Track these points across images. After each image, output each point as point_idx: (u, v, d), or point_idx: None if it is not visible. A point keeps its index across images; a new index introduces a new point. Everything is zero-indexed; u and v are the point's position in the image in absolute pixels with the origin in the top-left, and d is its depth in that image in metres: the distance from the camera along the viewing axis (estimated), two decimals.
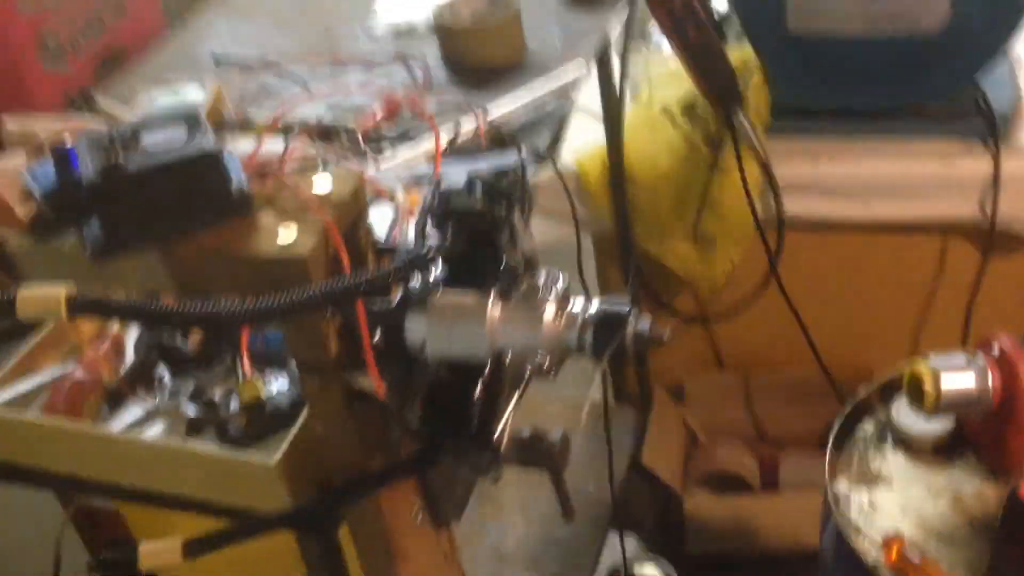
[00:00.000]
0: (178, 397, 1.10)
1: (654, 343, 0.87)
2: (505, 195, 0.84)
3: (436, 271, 0.87)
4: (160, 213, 0.84)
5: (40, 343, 1.14)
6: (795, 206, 1.92)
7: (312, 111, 1.59)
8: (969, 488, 1.24)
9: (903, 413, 1.29)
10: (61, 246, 0.88)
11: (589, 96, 2.00)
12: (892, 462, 1.29)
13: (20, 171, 0.90)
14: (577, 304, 0.87)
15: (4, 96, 1.80)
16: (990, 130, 1.72)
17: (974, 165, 1.76)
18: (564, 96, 1.58)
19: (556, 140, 1.53)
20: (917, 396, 1.20)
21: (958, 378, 1.18)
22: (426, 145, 1.48)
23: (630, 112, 2.04)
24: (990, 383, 1.18)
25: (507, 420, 0.86)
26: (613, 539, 2.30)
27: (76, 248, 0.87)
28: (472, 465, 0.86)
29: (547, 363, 0.87)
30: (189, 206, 0.85)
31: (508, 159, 0.96)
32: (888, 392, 1.34)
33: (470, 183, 0.84)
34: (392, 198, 0.92)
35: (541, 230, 2.14)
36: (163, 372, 1.13)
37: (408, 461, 0.90)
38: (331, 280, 0.78)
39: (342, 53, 1.75)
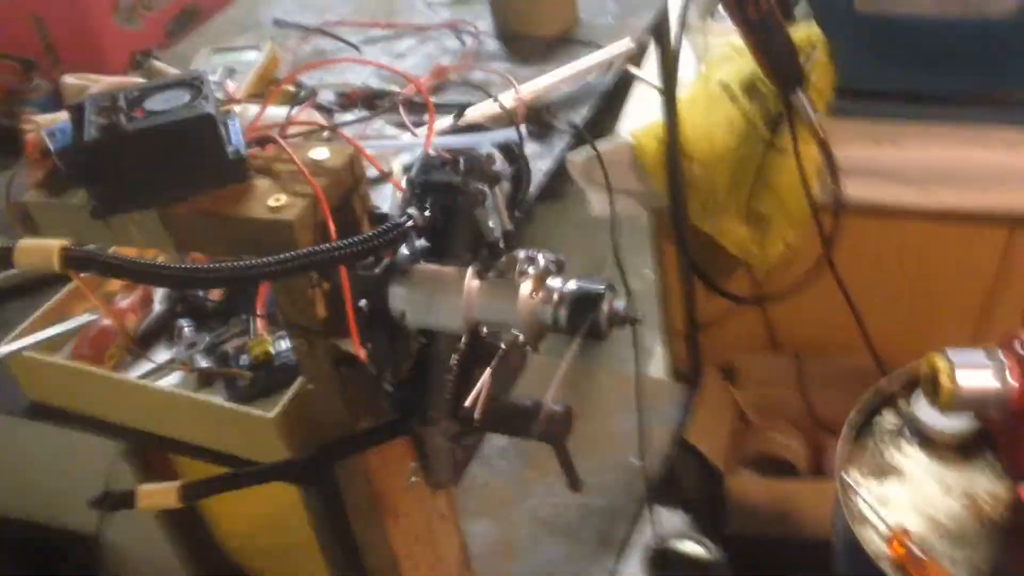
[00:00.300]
0: (195, 349, 1.15)
1: (628, 322, 0.88)
2: (484, 170, 0.86)
3: (416, 243, 0.89)
4: (156, 174, 0.88)
5: (73, 291, 1.20)
6: (855, 190, 1.89)
7: (360, 76, 1.62)
8: (984, 488, 1.22)
9: (924, 408, 1.27)
10: (73, 202, 0.93)
11: (651, 70, 2.00)
12: (909, 456, 1.27)
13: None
14: (555, 281, 0.88)
15: (78, 53, 1.87)
16: None
17: None
18: (608, 70, 1.57)
19: (597, 115, 1.53)
20: (933, 390, 1.18)
21: (976, 375, 1.15)
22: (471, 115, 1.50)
23: (689, 87, 2.03)
24: (1009, 381, 1.15)
25: (480, 392, 0.88)
26: (658, 513, 2.32)
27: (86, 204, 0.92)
28: (442, 433, 0.89)
29: (523, 338, 0.88)
30: (184, 169, 0.88)
31: (509, 133, 0.98)
32: (913, 385, 1.32)
33: (452, 158, 0.86)
34: (387, 171, 0.94)
35: (598, 203, 2.16)
36: (184, 325, 1.18)
37: (383, 426, 0.93)
38: (306, 248, 0.81)
39: (398, 20, 1.77)
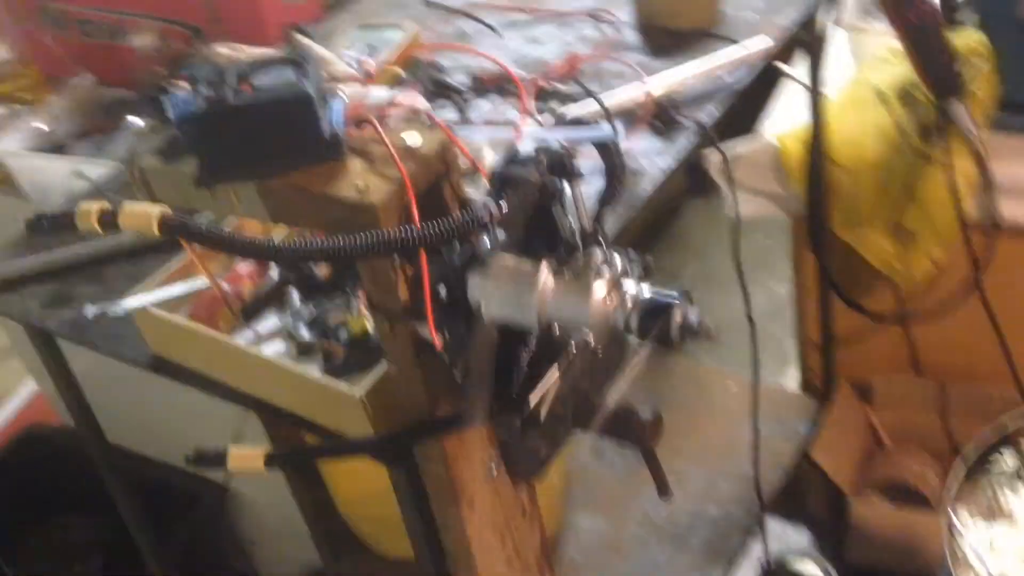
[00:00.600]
0: (299, 319, 1.18)
1: (701, 337, 0.85)
2: (564, 167, 0.85)
3: (494, 235, 0.88)
4: (256, 148, 0.91)
5: (199, 253, 1.25)
6: (1011, 210, 1.78)
7: (495, 58, 1.63)
8: None
9: None
10: (185, 170, 0.97)
11: (803, 69, 1.93)
12: None
13: None
14: (630, 285, 0.87)
15: (241, 23, 1.94)
16: None
17: None
18: (744, 68, 1.52)
19: (738, 112, 1.49)
20: None
21: None
22: (590, 107, 1.49)
23: (841, 91, 1.95)
24: None
25: (546, 390, 0.88)
26: (775, 528, 2.26)
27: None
28: (503, 428, 0.88)
29: (593, 340, 0.87)
30: (282, 144, 0.91)
31: (607, 130, 0.96)
32: None
33: (535, 153, 0.85)
34: (475, 162, 0.94)
35: (742, 204, 2.10)
36: (294, 295, 1.22)
37: (452, 416, 0.94)
38: (370, 232, 0.82)
39: (542, 7, 1.77)
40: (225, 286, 1.22)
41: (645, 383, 2.43)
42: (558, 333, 0.88)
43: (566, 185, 0.86)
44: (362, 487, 1.80)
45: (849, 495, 2.03)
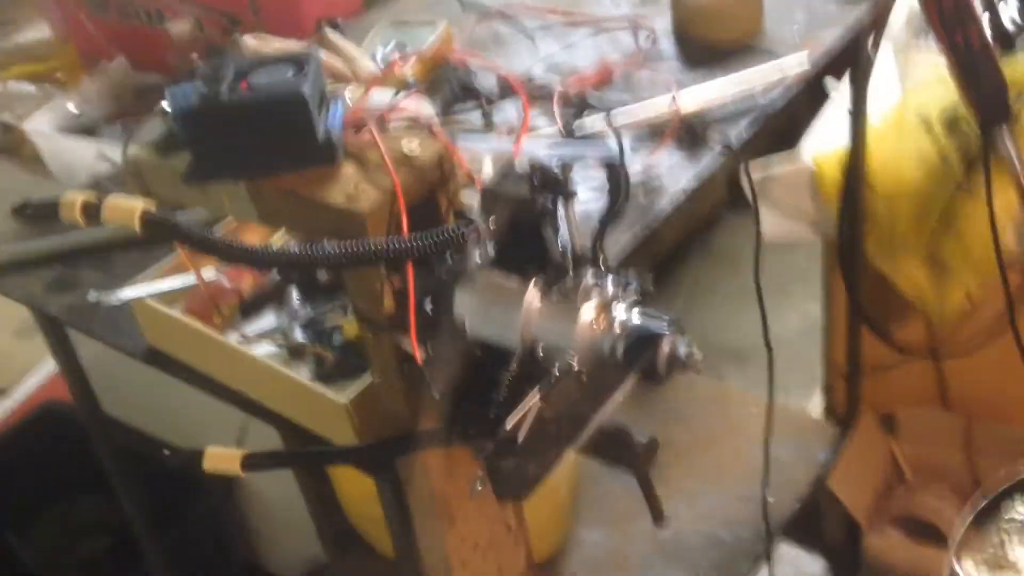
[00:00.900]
0: (295, 320, 1.16)
1: (687, 369, 0.82)
2: (558, 186, 0.82)
3: (484, 251, 0.86)
4: (248, 147, 0.89)
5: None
6: None
7: (527, 65, 1.60)
8: None
9: None
10: (176, 164, 0.95)
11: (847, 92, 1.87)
12: None
13: None
14: (619, 310, 0.83)
15: (278, 15, 1.93)
16: None
17: None
18: (776, 88, 1.48)
19: (756, 134, 1.45)
20: None
21: None
22: (620, 119, 1.45)
23: (884, 114, 1.89)
24: None
25: (525, 414, 0.85)
26: (790, 554, 2.21)
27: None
28: (477, 450, 0.86)
29: (578, 365, 0.84)
30: (274, 145, 0.89)
31: (607, 149, 0.93)
32: None
33: (530, 169, 0.82)
34: (474, 173, 0.91)
35: (772, 226, 2.06)
36: (294, 295, 1.20)
37: (429, 432, 0.91)
38: (350, 241, 0.80)
39: (578, 11, 1.74)
40: (226, 281, 1.20)
41: (663, 400, 2.40)
42: (542, 355, 0.85)
43: (560, 204, 0.82)
44: (365, 487, 1.78)
45: (865, 526, 1.98)
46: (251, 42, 1.44)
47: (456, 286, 0.87)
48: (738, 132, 1.43)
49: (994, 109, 1.67)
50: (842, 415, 2.17)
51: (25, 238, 1.42)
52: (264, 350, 1.14)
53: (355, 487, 1.84)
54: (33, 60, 2.02)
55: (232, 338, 1.14)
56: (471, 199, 0.95)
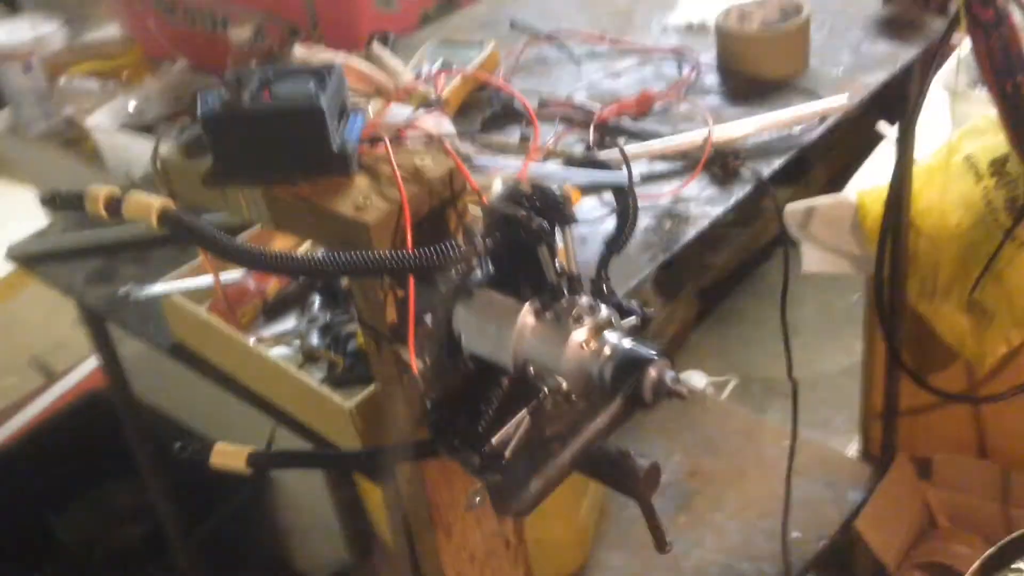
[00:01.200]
0: (313, 325, 1.19)
1: (673, 397, 0.82)
2: (557, 209, 0.83)
3: (486, 269, 0.88)
4: (265, 155, 0.92)
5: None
6: None
7: (569, 89, 1.62)
8: None
9: None
10: (200, 168, 0.99)
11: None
12: None
13: None
14: (612, 335, 0.84)
15: (335, 26, 1.98)
16: None
17: None
18: (813, 125, 1.48)
19: (790, 169, 1.45)
20: None
21: None
22: (653, 146, 1.46)
23: (932, 155, 1.87)
24: None
25: (511, 432, 0.86)
26: None
27: None
28: (463, 464, 0.87)
29: (567, 385, 0.85)
30: (290, 154, 0.92)
31: (616, 177, 0.95)
32: None
33: (528, 191, 0.84)
34: (480, 192, 0.93)
35: (813, 259, 2.05)
36: (316, 300, 1.23)
37: (419, 443, 0.93)
38: (348, 252, 0.82)
39: (626, 39, 1.75)
40: (249, 283, 1.24)
41: (697, 430, 2.39)
42: (533, 375, 0.87)
43: (558, 228, 0.84)
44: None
45: (891, 570, 1.95)
46: (300, 51, 1.48)
47: (456, 301, 0.88)
48: (772, 165, 1.43)
49: None
50: (878, 456, 2.15)
51: (71, 230, 1.47)
52: (280, 352, 1.17)
53: (378, 492, 1.87)
54: (101, 57, 2.10)
55: (251, 338, 1.17)
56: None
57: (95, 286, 1.39)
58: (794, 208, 1.98)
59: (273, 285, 1.26)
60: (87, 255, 1.44)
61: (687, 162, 1.44)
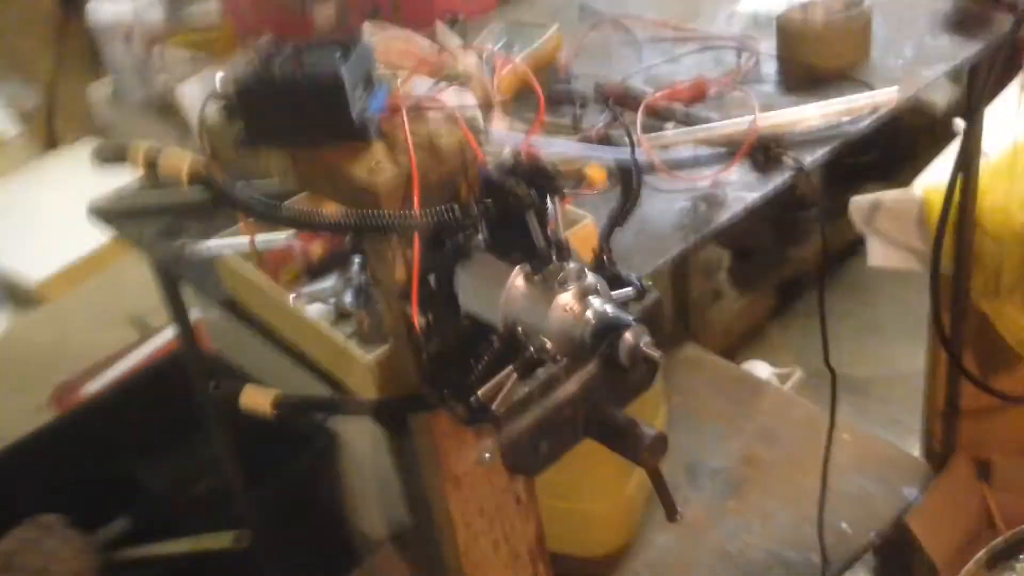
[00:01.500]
0: (349, 284, 1.26)
1: (646, 362, 0.86)
2: (544, 178, 0.88)
3: (487, 234, 0.93)
4: (291, 120, 0.99)
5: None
6: None
7: (627, 74, 1.66)
8: None
9: None
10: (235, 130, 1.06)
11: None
12: None
13: None
14: (595, 300, 0.89)
15: (413, 7, 2.04)
16: None
17: None
18: (864, 116, 1.48)
19: (834, 158, 1.45)
20: None
21: None
22: (698, 132, 1.49)
23: (1001, 154, 1.84)
24: None
25: (497, 386, 0.91)
26: None
27: None
28: (450, 412, 0.93)
29: (552, 349, 0.90)
30: (314, 120, 0.99)
31: (619, 153, 0.99)
32: None
33: (523, 162, 0.89)
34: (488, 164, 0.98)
35: (879, 253, 2.03)
36: (356, 262, 1.30)
37: (414, 396, 0.99)
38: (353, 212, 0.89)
39: (690, 27, 1.78)
40: (295, 244, 1.31)
41: (756, 418, 2.39)
42: (521, 335, 0.92)
43: (538, 196, 0.89)
44: None
45: (941, 569, 1.93)
46: (368, 29, 1.55)
47: (456, 263, 0.94)
48: (816, 155, 1.45)
49: None
50: (938, 455, 2.13)
51: (147, 189, 1.58)
52: (317, 309, 1.25)
53: None
54: (196, 31, 2.21)
55: (290, 296, 1.25)
56: None
57: (163, 241, 1.50)
58: (860, 202, 1.97)
59: (317, 248, 1.34)
60: (160, 213, 1.55)
61: (732, 149, 1.46)
